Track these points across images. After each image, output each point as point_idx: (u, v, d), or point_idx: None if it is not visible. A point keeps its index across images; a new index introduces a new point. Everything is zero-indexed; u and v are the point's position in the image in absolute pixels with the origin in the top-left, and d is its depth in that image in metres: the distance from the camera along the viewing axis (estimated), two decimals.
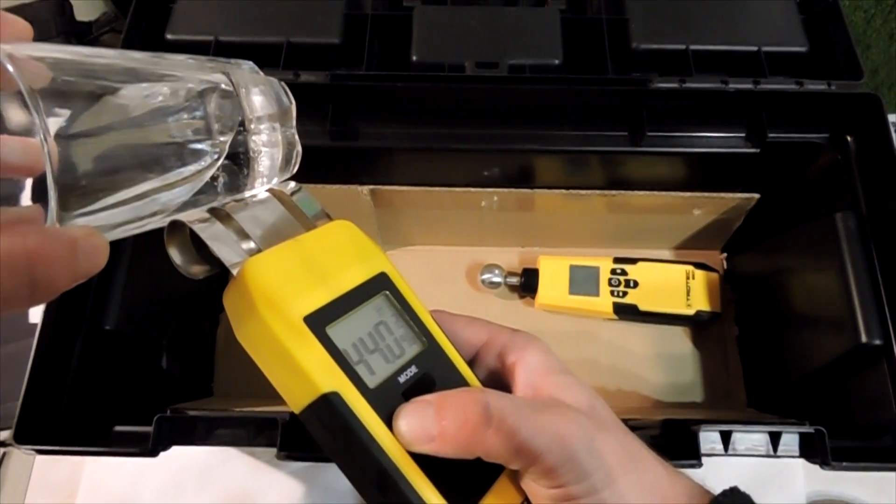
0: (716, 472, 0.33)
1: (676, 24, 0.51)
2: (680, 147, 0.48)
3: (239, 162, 0.25)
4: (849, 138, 0.48)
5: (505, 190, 0.53)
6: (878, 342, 0.42)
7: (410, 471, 0.23)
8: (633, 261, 0.59)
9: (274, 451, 0.37)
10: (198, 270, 0.25)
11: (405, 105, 0.48)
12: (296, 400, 0.23)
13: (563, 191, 0.53)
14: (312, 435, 0.23)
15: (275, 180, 0.27)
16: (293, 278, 0.23)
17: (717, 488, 0.27)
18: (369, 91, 0.47)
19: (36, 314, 0.60)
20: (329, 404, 0.22)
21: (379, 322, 0.25)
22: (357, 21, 0.51)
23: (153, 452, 0.37)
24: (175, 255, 0.25)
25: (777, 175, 0.51)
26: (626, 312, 0.58)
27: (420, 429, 0.23)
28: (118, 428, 0.39)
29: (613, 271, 0.58)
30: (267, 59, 0.49)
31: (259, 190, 0.27)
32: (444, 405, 0.23)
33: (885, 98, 0.62)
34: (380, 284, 0.26)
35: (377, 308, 0.25)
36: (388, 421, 0.23)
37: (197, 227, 0.23)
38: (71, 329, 0.42)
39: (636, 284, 0.58)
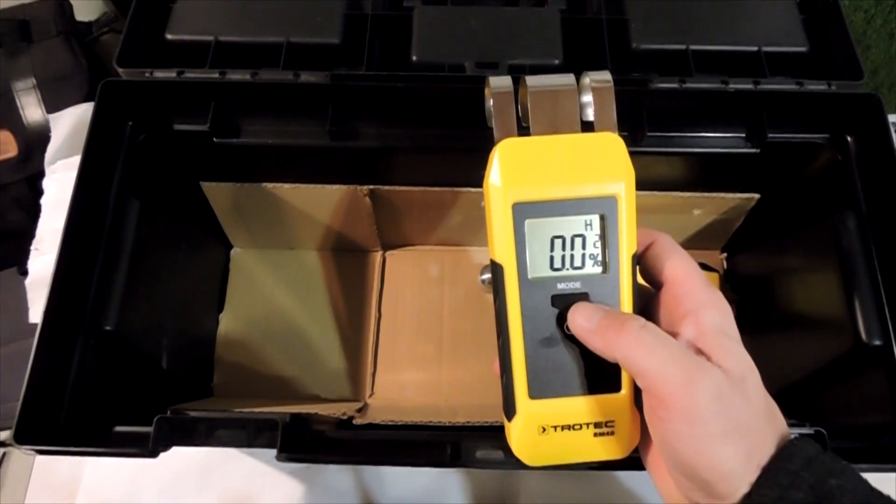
0: None
1: (676, 24, 0.51)
2: (680, 147, 0.48)
3: None
4: (849, 138, 0.48)
5: None
6: (878, 342, 0.42)
7: (517, 353, 0.29)
8: None
9: (274, 451, 0.37)
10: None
11: (405, 105, 0.48)
12: (489, 247, 0.30)
13: None
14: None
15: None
16: (529, 169, 0.28)
17: None
18: (369, 91, 0.47)
19: (36, 314, 0.60)
20: (496, 268, 0.29)
21: (578, 234, 0.29)
22: (357, 21, 0.51)
23: (153, 453, 0.37)
24: (487, 104, 0.30)
25: (777, 175, 0.51)
26: None
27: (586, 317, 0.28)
28: (118, 428, 0.39)
29: None
30: (267, 59, 0.49)
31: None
32: (608, 313, 0.28)
33: (885, 98, 0.62)
34: (603, 206, 0.28)
35: (586, 223, 0.28)
36: (526, 307, 0.29)
37: (491, 100, 0.29)
38: (71, 329, 0.42)
39: None
